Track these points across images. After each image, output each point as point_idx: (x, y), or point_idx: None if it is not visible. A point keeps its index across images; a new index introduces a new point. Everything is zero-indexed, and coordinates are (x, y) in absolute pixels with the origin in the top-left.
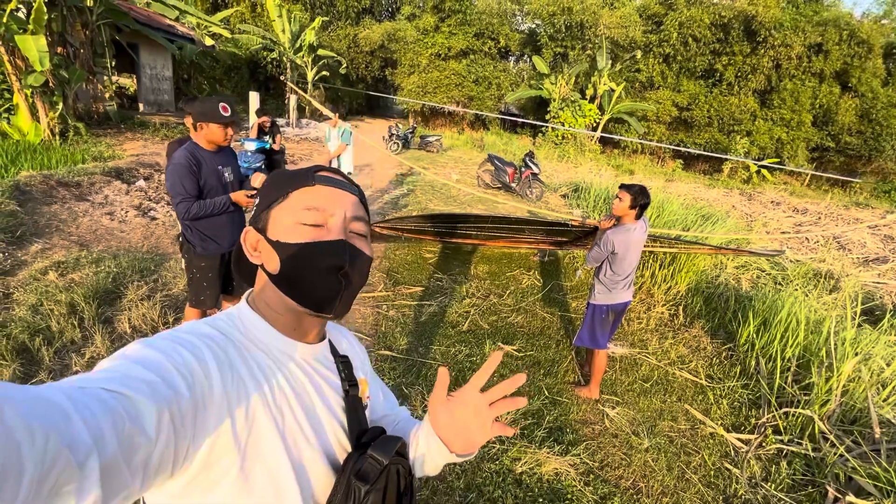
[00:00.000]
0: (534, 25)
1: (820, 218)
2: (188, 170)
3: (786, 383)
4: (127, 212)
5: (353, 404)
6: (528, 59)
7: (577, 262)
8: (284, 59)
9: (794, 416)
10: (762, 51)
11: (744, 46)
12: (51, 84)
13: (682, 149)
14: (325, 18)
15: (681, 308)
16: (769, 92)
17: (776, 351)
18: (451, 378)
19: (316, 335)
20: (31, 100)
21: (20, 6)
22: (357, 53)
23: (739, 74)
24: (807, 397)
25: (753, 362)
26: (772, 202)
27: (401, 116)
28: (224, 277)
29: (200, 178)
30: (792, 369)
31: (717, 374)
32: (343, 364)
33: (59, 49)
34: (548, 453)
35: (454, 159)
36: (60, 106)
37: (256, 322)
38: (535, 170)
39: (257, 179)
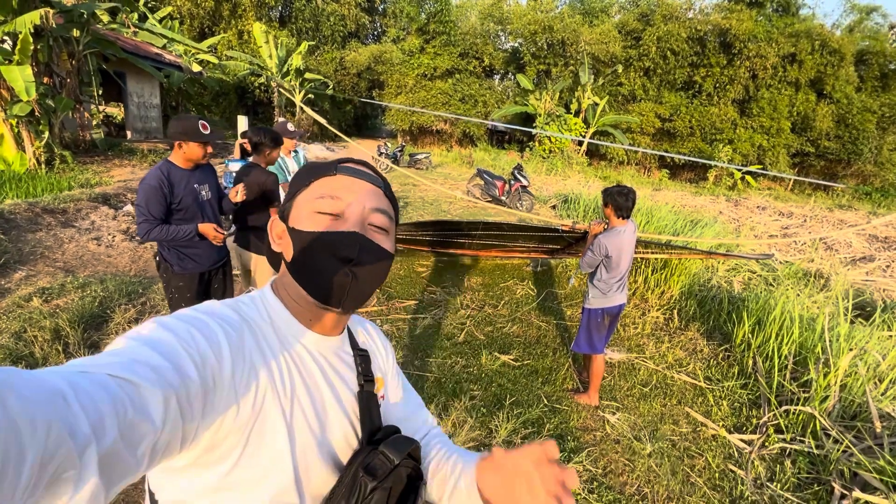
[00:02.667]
0: (517, 44)
1: (805, 220)
2: (158, 192)
3: (784, 381)
4: (114, 236)
5: (367, 400)
6: (513, 77)
7: (570, 270)
8: (272, 83)
9: (794, 413)
10: (738, 62)
11: (720, 58)
12: (37, 113)
13: (670, 154)
14: (312, 43)
15: (675, 311)
16: (748, 101)
17: (772, 349)
18: (448, 390)
19: (334, 327)
20: (16, 129)
21: (6, 37)
22: (344, 76)
23: (718, 85)
24: (806, 394)
25: (751, 362)
26: (758, 207)
27: (389, 136)
28: (204, 296)
29: (174, 199)
30: (789, 367)
31: (715, 375)
32: (361, 358)
33: (46, 79)
34: None
35: (444, 175)
36: (46, 135)
37: (277, 307)
38: (525, 182)
39: (236, 194)
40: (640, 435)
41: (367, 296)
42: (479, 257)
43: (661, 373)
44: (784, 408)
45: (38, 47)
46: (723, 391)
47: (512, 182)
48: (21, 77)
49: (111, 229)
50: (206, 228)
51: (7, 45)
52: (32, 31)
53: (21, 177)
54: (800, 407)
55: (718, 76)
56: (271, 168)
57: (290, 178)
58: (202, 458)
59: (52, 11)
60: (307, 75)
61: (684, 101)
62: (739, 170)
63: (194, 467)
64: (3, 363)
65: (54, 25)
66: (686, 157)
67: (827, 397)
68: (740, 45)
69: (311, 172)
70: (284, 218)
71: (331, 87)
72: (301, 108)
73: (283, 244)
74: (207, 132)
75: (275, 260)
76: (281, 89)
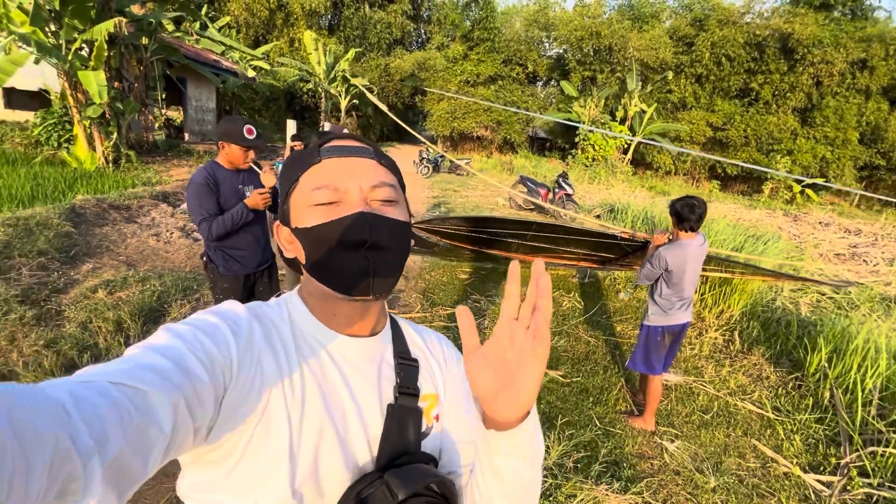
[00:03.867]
0: (561, 50)
1: (876, 239)
2: (206, 188)
3: (869, 417)
4: (172, 233)
5: (398, 416)
6: (556, 84)
7: (619, 283)
8: (319, 89)
9: (883, 456)
10: (801, 68)
11: (780, 64)
12: (107, 115)
13: (726, 161)
14: (359, 49)
15: (736, 333)
16: (810, 110)
17: (854, 382)
18: None
19: (364, 326)
20: (88, 130)
21: (83, 45)
22: (388, 82)
23: (777, 93)
24: None
25: (827, 394)
26: (820, 223)
27: (430, 142)
28: (250, 298)
29: (220, 197)
30: (874, 402)
31: (784, 406)
32: (403, 367)
33: (116, 83)
34: (606, 490)
35: (484, 183)
36: (115, 136)
37: (300, 308)
38: (569, 190)
39: (267, 177)
40: (702, 467)
41: (396, 274)
42: (527, 263)
43: (722, 399)
44: (870, 449)
45: (111, 54)
46: (794, 424)
47: (556, 190)
48: (95, 82)
49: (169, 226)
50: (252, 198)
51: (84, 53)
52: (107, 39)
53: (91, 174)
54: (891, 449)
55: (778, 83)
56: None
57: None
58: (205, 456)
59: (124, 21)
60: (353, 81)
61: (739, 109)
62: (799, 181)
63: (196, 465)
64: (70, 352)
65: (126, 34)
66: (744, 164)
67: None
68: (803, 51)
69: (296, 165)
70: (286, 221)
71: (374, 92)
72: (345, 114)
73: (294, 248)
74: (251, 137)
75: (294, 266)
76: (325, 97)
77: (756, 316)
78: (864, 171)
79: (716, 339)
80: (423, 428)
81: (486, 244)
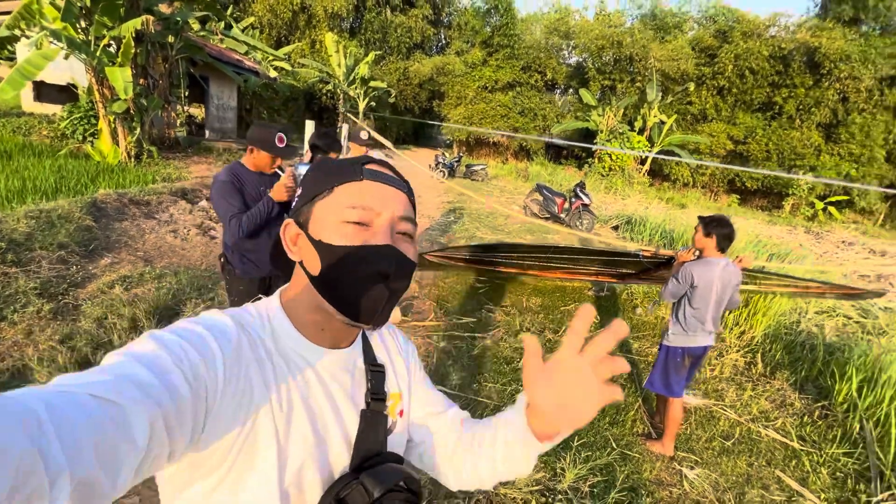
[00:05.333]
0: (581, 59)
1: None
2: (232, 186)
3: None
4: (189, 230)
5: (370, 421)
6: (575, 92)
7: (636, 299)
8: (338, 90)
9: None
10: (826, 83)
11: (806, 79)
12: (131, 111)
13: (748, 170)
14: (379, 53)
15: (758, 356)
16: (835, 126)
17: (886, 415)
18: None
19: (343, 341)
20: (113, 125)
21: (111, 42)
22: (406, 85)
23: (801, 107)
24: None
25: (857, 426)
26: (843, 241)
27: (446, 146)
28: None
29: (245, 195)
30: None
31: (810, 435)
32: (373, 374)
33: (141, 80)
34: None
35: (499, 188)
36: (138, 131)
37: (284, 324)
38: (586, 200)
39: (288, 177)
40: (723, 497)
41: (394, 307)
42: (542, 278)
43: (744, 425)
44: None
45: (138, 51)
46: (821, 456)
47: (573, 199)
48: (121, 78)
49: (187, 223)
50: (277, 189)
51: (112, 49)
52: (134, 36)
53: (113, 168)
54: None
55: (802, 98)
56: None
57: None
58: (185, 473)
59: (151, 19)
60: (372, 83)
61: (761, 123)
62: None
63: (176, 481)
64: (84, 349)
65: (153, 31)
66: (768, 173)
67: None
68: (830, 65)
69: (333, 175)
70: (303, 224)
71: (393, 95)
72: (363, 116)
73: (302, 253)
74: (282, 146)
75: (285, 265)
76: (343, 99)
77: (779, 338)
78: (890, 190)
79: (737, 360)
80: (388, 425)
81: (501, 266)
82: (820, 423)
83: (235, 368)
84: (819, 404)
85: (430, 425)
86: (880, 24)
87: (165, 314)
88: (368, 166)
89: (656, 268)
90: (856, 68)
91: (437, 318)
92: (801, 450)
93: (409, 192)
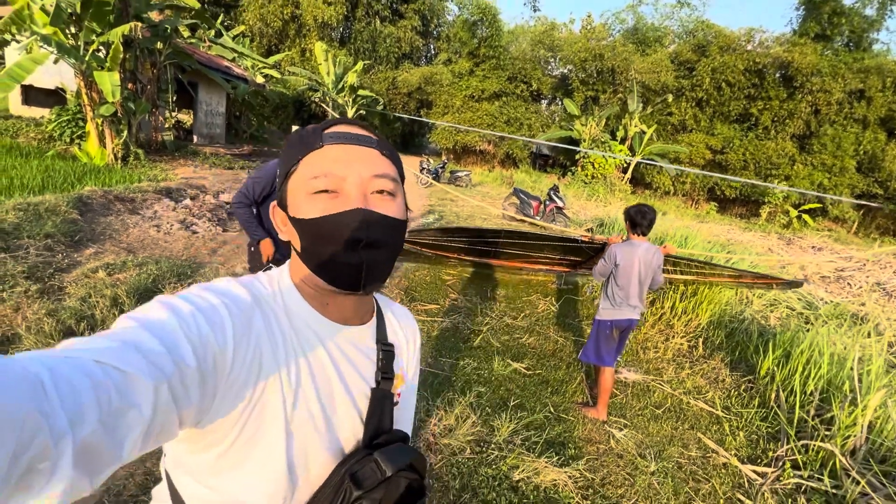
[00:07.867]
0: (566, 70)
1: (865, 265)
2: (270, 182)
3: (807, 416)
4: (172, 225)
5: (379, 398)
6: (560, 102)
7: (596, 291)
8: (327, 98)
9: (814, 450)
10: (799, 96)
11: (780, 91)
12: (119, 114)
13: (726, 178)
14: (368, 62)
15: (701, 340)
16: (808, 137)
17: (797, 383)
18: (457, 387)
19: (353, 316)
20: (100, 128)
21: (101, 46)
22: (395, 94)
23: (776, 119)
24: (829, 432)
25: (773, 395)
26: (812, 247)
27: (434, 154)
28: None
29: (271, 191)
30: (814, 403)
31: (734, 405)
32: (385, 353)
33: (130, 85)
34: (546, 463)
35: (482, 194)
36: (125, 134)
37: (292, 292)
38: (560, 203)
39: (266, 246)
40: (645, 453)
41: (388, 270)
42: (507, 270)
43: (676, 397)
44: (802, 442)
45: (126, 57)
46: (740, 422)
47: (547, 203)
48: (109, 82)
49: (170, 219)
50: (264, 245)
51: (101, 54)
52: (123, 41)
53: (100, 169)
54: (818, 443)
55: (777, 110)
56: None
57: None
58: (195, 443)
59: (140, 25)
60: (360, 92)
61: (738, 133)
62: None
63: (184, 450)
64: (69, 321)
65: (141, 38)
66: (742, 181)
67: (850, 436)
68: (802, 79)
69: (297, 148)
70: (283, 205)
71: (381, 104)
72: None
73: (288, 232)
74: None
75: (287, 248)
76: (332, 106)
77: (723, 325)
78: (862, 199)
79: (681, 344)
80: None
81: (465, 252)
82: (744, 394)
83: (245, 339)
84: (746, 379)
85: (410, 419)
86: (849, 40)
87: (146, 294)
88: (329, 129)
89: (597, 254)
90: (826, 82)
91: (403, 304)
92: (724, 416)
93: (381, 146)
